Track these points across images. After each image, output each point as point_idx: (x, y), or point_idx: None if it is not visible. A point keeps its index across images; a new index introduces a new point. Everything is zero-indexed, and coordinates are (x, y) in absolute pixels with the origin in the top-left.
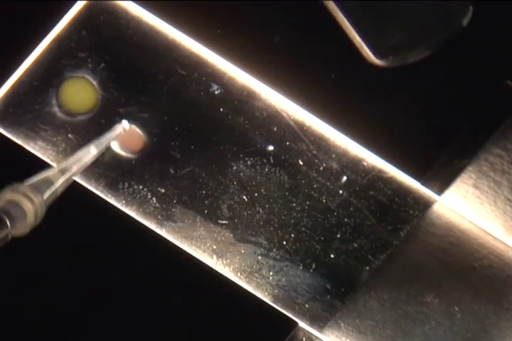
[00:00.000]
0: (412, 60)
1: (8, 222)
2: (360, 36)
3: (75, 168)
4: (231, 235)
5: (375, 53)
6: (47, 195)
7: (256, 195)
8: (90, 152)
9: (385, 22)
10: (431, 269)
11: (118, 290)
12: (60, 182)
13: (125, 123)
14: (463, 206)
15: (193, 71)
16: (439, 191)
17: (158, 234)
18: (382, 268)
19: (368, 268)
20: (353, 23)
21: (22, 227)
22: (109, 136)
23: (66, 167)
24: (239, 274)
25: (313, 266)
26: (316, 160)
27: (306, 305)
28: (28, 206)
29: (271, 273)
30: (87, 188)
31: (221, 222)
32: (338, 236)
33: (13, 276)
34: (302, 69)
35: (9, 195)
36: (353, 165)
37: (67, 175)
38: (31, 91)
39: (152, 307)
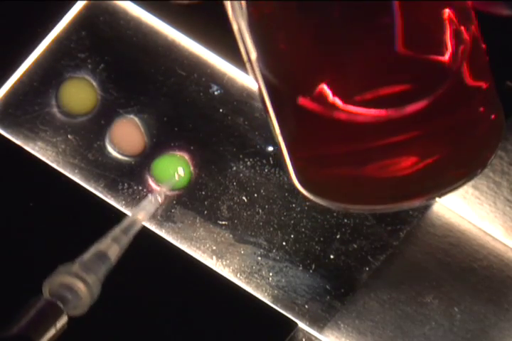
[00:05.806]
0: None
1: (64, 309)
2: None
3: (131, 233)
4: (231, 236)
5: None
6: (102, 270)
7: (256, 195)
8: (140, 215)
9: None
10: (430, 270)
11: (117, 290)
12: (113, 253)
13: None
14: (462, 207)
15: (192, 72)
16: None
17: (157, 235)
18: (381, 268)
19: (367, 268)
20: None
21: (79, 310)
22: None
23: (118, 235)
24: (238, 275)
25: (313, 267)
26: None
27: (306, 306)
28: (81, 287)
29: (270, 274)
30: (86, 189)
31: (221, 222)
32: (338, 236)
33: (13, 276)
34: None
35: (61, 278)
36: None
37: (122, 242)
38: (31, 91)
39: (151, 308)
